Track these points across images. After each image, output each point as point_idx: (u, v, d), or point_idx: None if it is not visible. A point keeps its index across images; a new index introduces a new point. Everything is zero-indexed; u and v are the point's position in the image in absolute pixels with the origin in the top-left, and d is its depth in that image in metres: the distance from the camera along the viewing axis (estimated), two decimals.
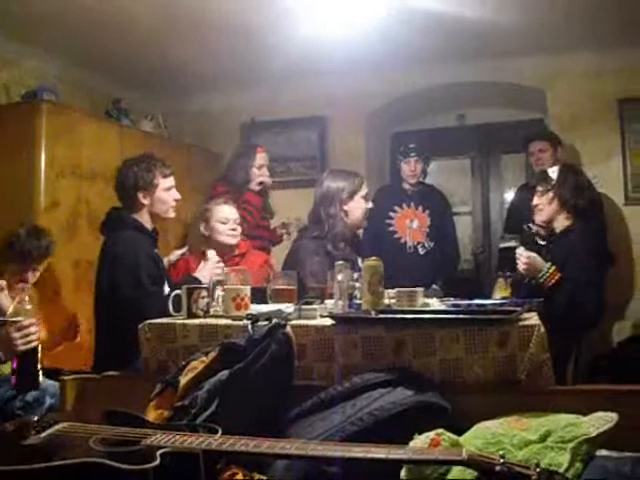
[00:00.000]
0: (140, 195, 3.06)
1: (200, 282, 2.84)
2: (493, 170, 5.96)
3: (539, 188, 3.37)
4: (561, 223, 3.31)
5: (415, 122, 5.87)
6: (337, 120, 5.56)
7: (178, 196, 3.19)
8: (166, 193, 3.13)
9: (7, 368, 3.21)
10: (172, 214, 3.21)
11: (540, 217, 3.39)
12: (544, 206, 3.33)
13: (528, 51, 4.81)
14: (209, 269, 3.16)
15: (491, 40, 4.58)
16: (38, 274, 3.48)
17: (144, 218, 3.09)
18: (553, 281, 3.06)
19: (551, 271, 3.07)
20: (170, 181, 3.15)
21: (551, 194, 3.31)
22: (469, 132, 5.84)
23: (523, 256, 3.12)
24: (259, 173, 4.42)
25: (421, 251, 4.54)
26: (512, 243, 3.32)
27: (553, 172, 3.35)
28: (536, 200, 3.39)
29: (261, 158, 4.46)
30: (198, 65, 5.02)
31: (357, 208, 3.43)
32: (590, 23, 4.30)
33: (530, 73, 5.06)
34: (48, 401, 2.99)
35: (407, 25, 4.25)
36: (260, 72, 5.06)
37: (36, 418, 1.67)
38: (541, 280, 3.08)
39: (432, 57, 4.89)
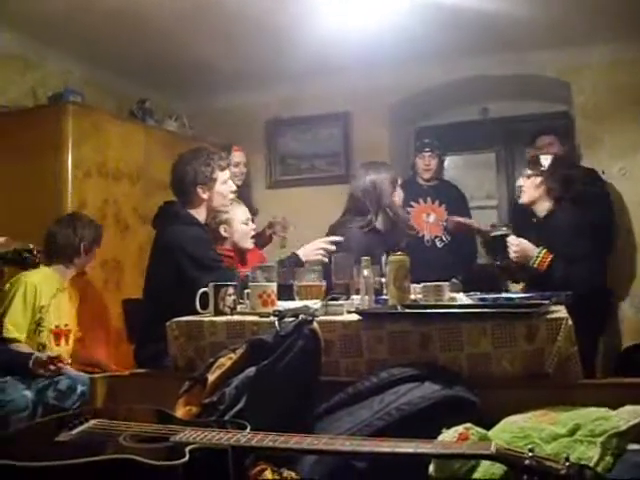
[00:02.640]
0: (199, 190, 2.99)
1: (300, 260, 3.01)
2: (518, 163, 5.90)
3: (528, 171, 3.40)
4: (543, 207, 3.35)
5: (439, 117, 5.83)
6: (360, 115, 5.52)
7: (234, 187, 3.14)
8: (224, 186, 3.07)
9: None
10: (228, 207, 3.18)
11: (522, 198, 3.43)
12: (528, 189, 3.37)
13: (550, 44, 4.75)
14: (312, 248, 3.11)
15: (511, 33, 4.53)
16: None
17: (200, 213, 3.03)
18: (545, 264, 3.10)
19: (542, 255, 3.12)
20: (227, 173, 3.10)
21: (539, 180, 3.33)
22: (493, 125, 5.78)
23: (514, 244, 3.20)
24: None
25: (439, 244, 4.57)
26: (503, 231, 3.39)
27: (546, 159, 3.37)
28: (521, 181, 3.43)
29: (233, 156, 4.43)
30: (223, 64, 5.02)
31: (398, 196, 3.48)
32: (613, 14, 4.24)
33: (553, 66, 5.00)
34: (80, 389, 3.10)
35: (427, 19, 4.23)
36: (284, 69, 5.07)
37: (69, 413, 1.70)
38: (534, 265, 3.13)
39: (453, 51, 4.85)
